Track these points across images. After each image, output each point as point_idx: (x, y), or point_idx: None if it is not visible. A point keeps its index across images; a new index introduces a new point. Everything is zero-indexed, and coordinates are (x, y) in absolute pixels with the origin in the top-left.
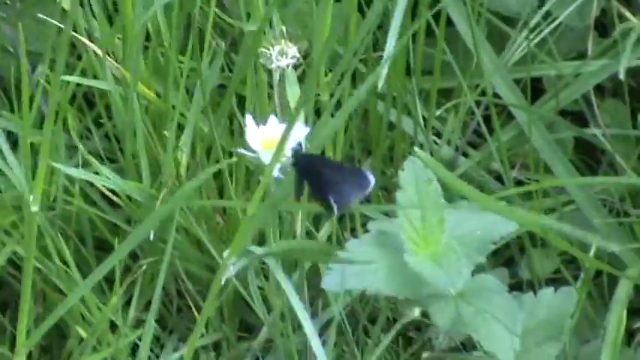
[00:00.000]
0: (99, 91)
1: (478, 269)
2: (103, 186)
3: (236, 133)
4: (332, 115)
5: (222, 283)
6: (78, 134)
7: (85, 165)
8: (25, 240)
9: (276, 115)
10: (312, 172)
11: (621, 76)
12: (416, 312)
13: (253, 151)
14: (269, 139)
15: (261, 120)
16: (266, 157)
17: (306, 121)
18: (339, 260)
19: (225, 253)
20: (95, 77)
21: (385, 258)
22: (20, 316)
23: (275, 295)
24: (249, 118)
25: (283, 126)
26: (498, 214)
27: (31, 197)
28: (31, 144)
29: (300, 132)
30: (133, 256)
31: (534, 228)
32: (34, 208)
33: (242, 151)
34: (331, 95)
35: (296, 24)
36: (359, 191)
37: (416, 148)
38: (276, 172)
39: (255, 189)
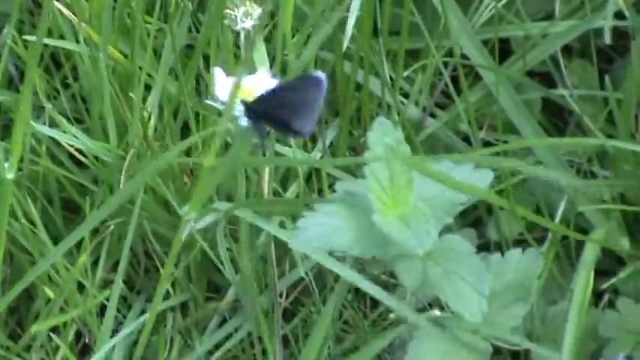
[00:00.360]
0: (65, 51)
1: (446, 230)
2: (71, 146)
3: (203, 94)
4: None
5: (183, 239)
6: (45, 95)
7: (53, 126)
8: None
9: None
10: (267, 109)
11: (607, 40)
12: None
13: (223, 104)
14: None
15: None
16: (235, 109)
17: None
18: (306, 220)
19: (185, 209)
20: (62, 38)
21: (353, 218)
22: None
23: (242, 256)
24: (218, 70)
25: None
26: (448, 185)
27: (6, 165)
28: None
29: (267, 81)
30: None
31: (495, 200)
32: (9, 176)
33: (210, 102)
34: (297, 56)
35: None
36: (318, 97)
37: (380, 118)
38: (243, 122)
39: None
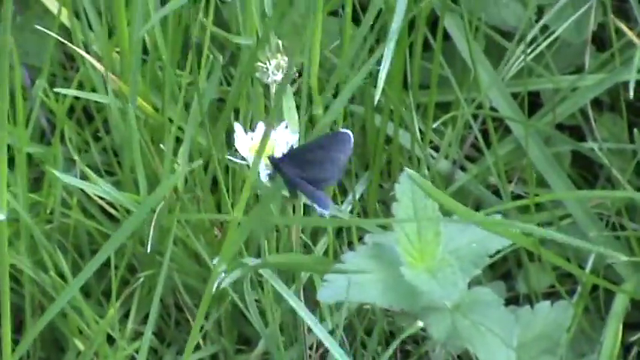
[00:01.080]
0: (97, 104)
1: (474, 282)
2: (101, 198)
3: (233, 146)
4: (331, 129)
5: (214, 291)
6: (76, 148)
7: (83, 179)
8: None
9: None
10: (293, 165)
11: (631, 93)
12: (418, 324)
13: (243, 159)
14: (255, 147)
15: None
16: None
17: (304, 135)
18: (335, 272)
19: (216, 261)
20: (93, 91)
21: (381, 270)
22: (3, 330)
23: (272, 308)
24: (237, 126)
25: (270, 132)
26: (489, 230)
27: None
28: (30, 156)
29: (288, 136)
30: (131, 269)
31: (527, 244)
32: (1, 217)
33: (232, 158)
34: (326, 108)
35: (292, 38)
36: (344, 155)
37: (408, 169)
38: (264, 176)
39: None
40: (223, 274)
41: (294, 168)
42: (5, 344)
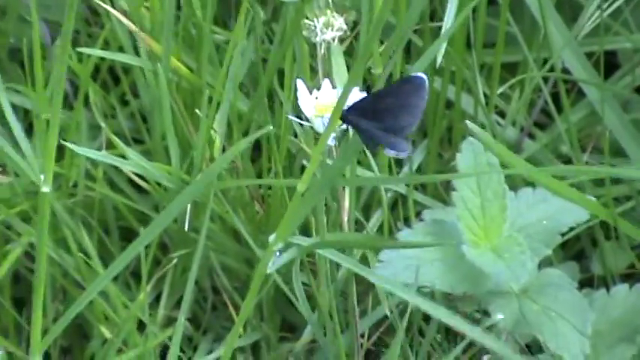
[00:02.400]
0: (124, 65)
1: (544, 263)
2: (129, 170)
3: (277, 112)
4: None
5: (267, 272)
6: (101, 113)
7: (110, 147)
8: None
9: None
10: (364, 117)
11: None
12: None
13: (306, 119)
14: (322, 106)
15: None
16: (320, 125)
17: None
18: (390, 252)
19: (272, 238)
20: (120, 50)
21: (441, 250)
22: (34, 313)
23: (321, 292)
24: (300, 83)
25: (338, 90)
26: (568, 201)
27: (42, 177)
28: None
29: (356, 97)
30: (163, 248)
31: (607, 217)
32: (46, 189)
33: (293, 117)
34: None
35: None
36: (419, 101)
37: (473, 126)
38: (330, 139)
39: (298, 175)
40: (278, 254)
41: (367, 120)
42: (35, 332)
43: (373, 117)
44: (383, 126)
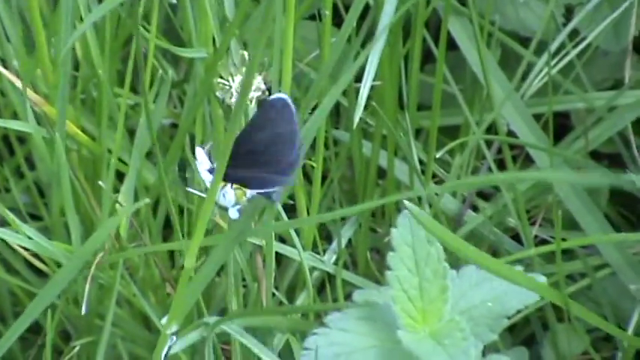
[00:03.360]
0: (19, 133)
1: (490, 349)
2: (25, 249)
3: (190, 182)
4: (311, 161)
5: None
6: None
7: (4, 224)
8: None
9: None
10: (240, 165)
11: None
12: None
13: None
14: None
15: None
16: (221, 197)
17: None
18: (317, 338)
19: (164, 320)
20: (14, 116)
21: (375, 336)
22: None
23: None
24: (199, 150)
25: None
26: (514, 282)
27: None
28: None
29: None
30: (65, 336)
31: (559, 300)
32: None
33: (192, 190)
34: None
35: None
36: (291, 126)
37: (407, 202)
38: (234, 213)
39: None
40: (174, 338)
41: (247, 168)
42: None
43: (252, 162)
44: (266, 168)
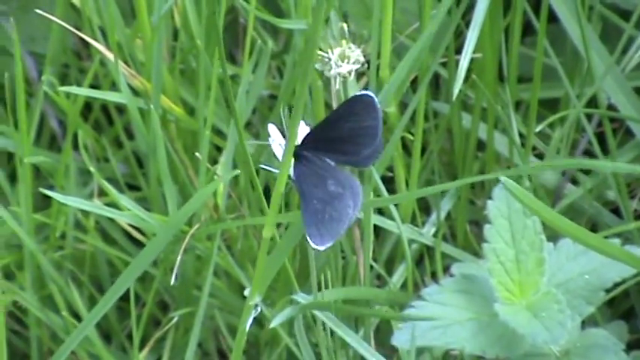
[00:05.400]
0: (118, 104)
1: (588, 323)
2: (124, 220)
3: None
4: (410, 134)
5: (247, 329)
6: (93, 156)
7: (102, 194)
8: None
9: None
10: (320, 146)
11: None
12: None
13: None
14: None
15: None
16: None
17: None
18: (415, 311)
19: (247, 292)
20: (113, 87)
21: (471, 308)
22: None
23: (335, 355)
24: (271, 127)
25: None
26: (612, 256)
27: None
28: (36, 167)
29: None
30: (163, 307)
31: None
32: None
33: (264, 166)
34: (404, 106)
35: (360, 19)
36: (374, 122)
37: (503, 178)
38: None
39: None
40: (259, 308)
41: (323, 152)
42: None
43: (329, 147)
44: (343, 155)
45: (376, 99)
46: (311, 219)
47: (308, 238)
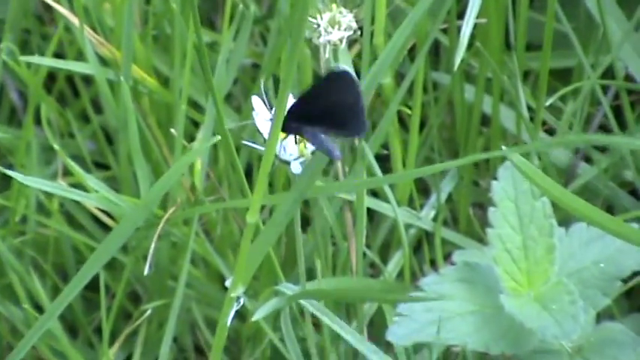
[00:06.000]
0: (84, 75)
1: (603, 316)
2: (91, 203)
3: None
4: (408, 107)
5: (228, 323)
6: (57, 132)
7: (67, 173)
8: None
9: None
10: (304, 121)
11: None
12: None
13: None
14: None
15: None
16: (281, 150)
17: (370, 113)
18: (412, 302)
19: (228, 282)
20: (80, 56)
21: (474, 300)
22: None
23: (327, 350)
24: (255, 99)
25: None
26: (630, 241)
27: None
28: None
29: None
30: (135, 299)
31: None
32: None
33: (250, 143)
34: (401, 77)
35: None
36: (356, 98)
37: (510, 155)
38: (296, 167)
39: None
40: (242, 300)
41: (312, 126)
42: None
43: (317, 121)
44: (329, 128)
45: (353, 74)
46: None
47: (329, 150)
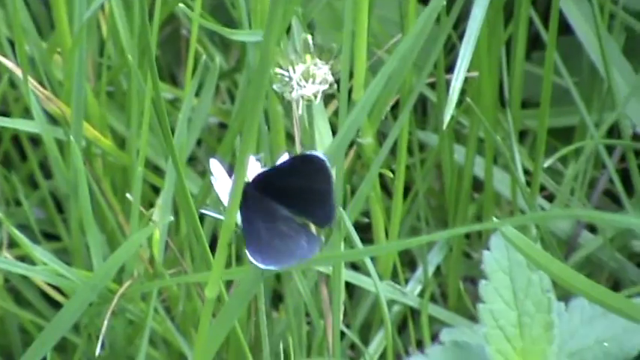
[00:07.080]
0: (32, 135)
1: None
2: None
3: None
4: (391, 171)
5: None
6: (2, 199)
7: (13, 245)
8: None
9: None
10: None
11: None
12: None
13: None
14: None
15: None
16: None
17: (348, 176)
18: None
19: None
20: (27, 113)
21: None
22: None
23: None
24: (214, 162)
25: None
26: (636, 320)
27: None
28: None
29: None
30: None
31: None
32: None
33: (207, 211)
34: (383, 136)
35: (328, 30)
36: (327, 186)
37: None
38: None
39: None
40: None
41: (275, 200)
42: None
43: (281, 196)
44: (297, 212)
45: (327, 161)
46: (253, 239)
47: (248, 254)
